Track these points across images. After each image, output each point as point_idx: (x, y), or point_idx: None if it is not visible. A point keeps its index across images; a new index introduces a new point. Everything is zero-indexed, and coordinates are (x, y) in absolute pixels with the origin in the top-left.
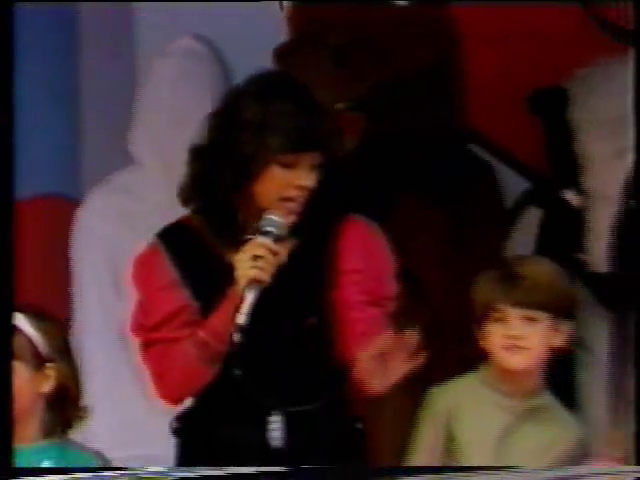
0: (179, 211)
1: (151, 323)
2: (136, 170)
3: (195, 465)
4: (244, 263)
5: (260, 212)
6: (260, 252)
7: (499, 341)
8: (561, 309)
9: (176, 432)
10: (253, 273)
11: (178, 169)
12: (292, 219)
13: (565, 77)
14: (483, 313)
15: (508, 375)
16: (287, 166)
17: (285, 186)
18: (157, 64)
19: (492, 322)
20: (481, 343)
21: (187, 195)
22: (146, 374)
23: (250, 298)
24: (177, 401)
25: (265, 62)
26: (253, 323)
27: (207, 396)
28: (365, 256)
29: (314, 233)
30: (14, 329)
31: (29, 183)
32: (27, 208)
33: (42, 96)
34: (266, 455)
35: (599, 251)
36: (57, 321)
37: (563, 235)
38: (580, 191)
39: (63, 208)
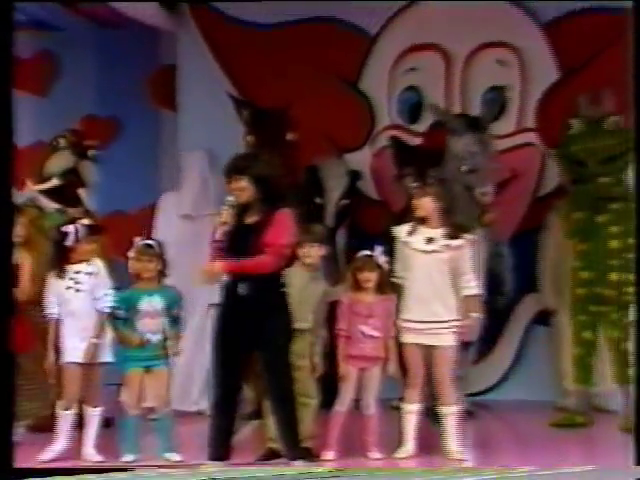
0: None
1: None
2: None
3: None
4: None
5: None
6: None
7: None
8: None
9: (221, 289)
10: (223, 218)
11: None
12: (241, 200)
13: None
14: None
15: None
16: (229, 182)
17: (231, 190)
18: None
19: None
20: None
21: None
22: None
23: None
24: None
25: None
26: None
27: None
28: (282, 226)
29: (265, 214)
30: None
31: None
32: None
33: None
34: (238, 297)
35: (330, 218)
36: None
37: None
38: (322, 196)
39: None
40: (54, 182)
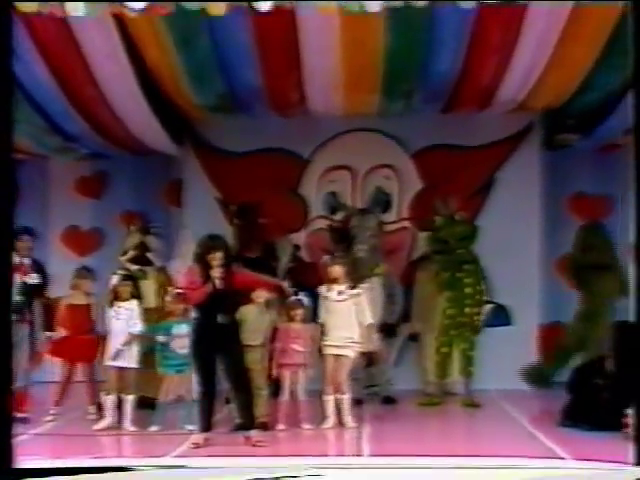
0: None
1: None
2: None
3: (200, 333)
4: (214, 273)
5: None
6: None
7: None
8: None
9: (194, 320)
10: (216, 275)
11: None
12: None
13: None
14: None
15: None
16: (211, 259)
17: (211, 260)
18: None
19: None
20: None
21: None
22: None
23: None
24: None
25: None
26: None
27: (201, 308)
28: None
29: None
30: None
31: None
32: None
33: None
34: (217, 325)
35: (281, 274)
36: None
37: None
38: (275, 261)
39: None
40: (130, 253)
